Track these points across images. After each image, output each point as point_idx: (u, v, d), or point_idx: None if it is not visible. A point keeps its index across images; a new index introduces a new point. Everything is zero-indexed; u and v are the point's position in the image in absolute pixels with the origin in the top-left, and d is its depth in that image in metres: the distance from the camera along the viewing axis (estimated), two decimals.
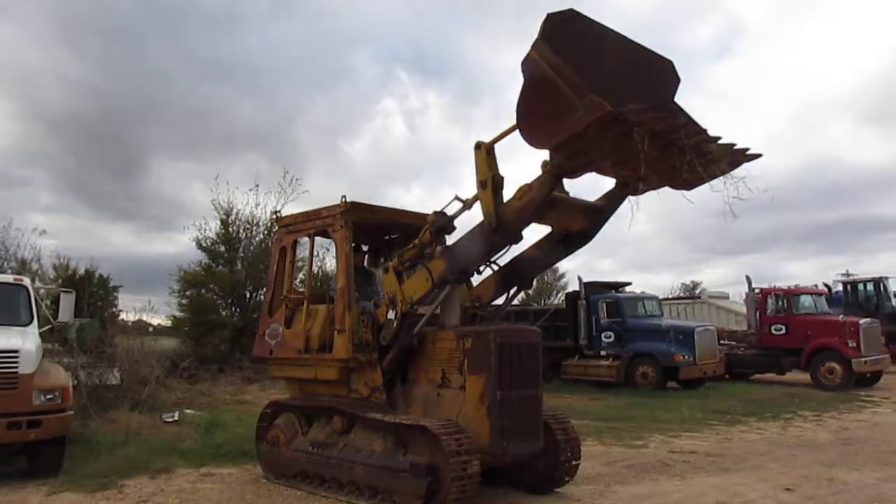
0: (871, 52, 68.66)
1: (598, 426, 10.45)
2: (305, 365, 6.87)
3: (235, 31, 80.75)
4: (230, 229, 20.77)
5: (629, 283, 19.09)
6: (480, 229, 5.67)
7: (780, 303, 17.52)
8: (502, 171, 5.55)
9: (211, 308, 20.04)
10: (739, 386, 16.08)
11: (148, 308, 19.70)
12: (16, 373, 6.68)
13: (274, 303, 7.33)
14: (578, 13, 4.63)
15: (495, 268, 6.39)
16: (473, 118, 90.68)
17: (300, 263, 8.94)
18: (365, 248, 8.19)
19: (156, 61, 66.70)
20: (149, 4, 69.31)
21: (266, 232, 20.37)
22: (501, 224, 5.47)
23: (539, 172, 5.30)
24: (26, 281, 8.46)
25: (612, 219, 5.90)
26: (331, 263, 16.45)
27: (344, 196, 6.68)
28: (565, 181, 5.64)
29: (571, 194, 5.89)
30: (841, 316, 17.66)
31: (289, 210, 7.88)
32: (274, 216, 7.96)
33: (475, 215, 5.73)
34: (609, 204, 5.84)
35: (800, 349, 16.57)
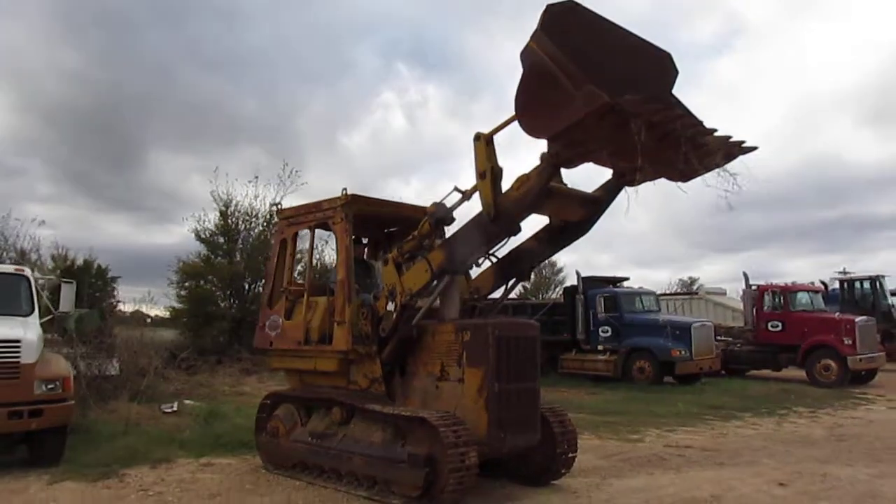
0: (871, 51, 68.63)
1: (595, 420, 10.51)
2: (305, 356, 6.92)
3: (236, 24, 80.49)
4: (229, 221, 20.78)
5: (627, 279, 19.13)
6: (479, 220, 5.69)
7: (776, 300, 17.60)
8: (502, 163, 5.59)
9: (209, 299, 20.06)
10: (735, 382, 16.21)
11: (147, 299, 19.65)
12: (17, 362, 6.72)
13: (274, 294, 7.37)
14: (578, 4, 4.64)
15: (494, 260, 6.44)
16: (473, 112, 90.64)
17: (300, 256, 8.98)
18: (365, 240, 8.23)
19: (155, 53, 66.52)
20: None
21: (265, 224, 20.38)
22: (500, 214, 5.49)
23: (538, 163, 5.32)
24: (27, 271, 8.47)
25: (610, 214, 5.95)
26: (330, 256, 16.50)
27: (345, 189, 6.72)
28: (563, 173, 5.67)
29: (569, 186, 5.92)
30: (837, 313, 17.74)
31: (288, 202, 7.94)
32: (274, 208, 7.98)
33: (474, 206, 5.77)
34: (606, 195, 5.88)
35: (796, 346, 16.67)
